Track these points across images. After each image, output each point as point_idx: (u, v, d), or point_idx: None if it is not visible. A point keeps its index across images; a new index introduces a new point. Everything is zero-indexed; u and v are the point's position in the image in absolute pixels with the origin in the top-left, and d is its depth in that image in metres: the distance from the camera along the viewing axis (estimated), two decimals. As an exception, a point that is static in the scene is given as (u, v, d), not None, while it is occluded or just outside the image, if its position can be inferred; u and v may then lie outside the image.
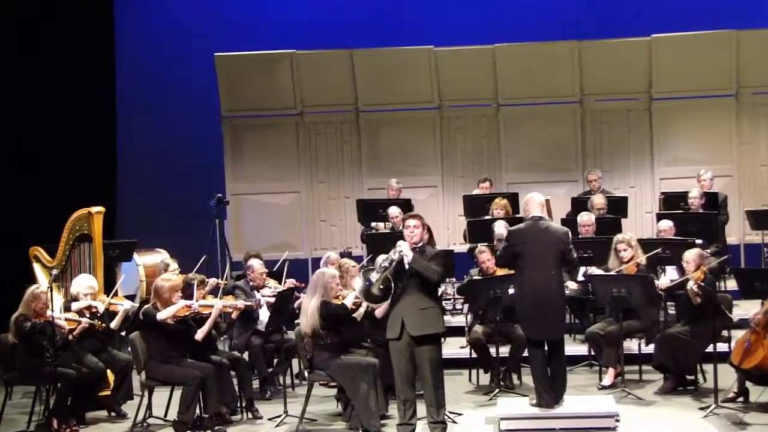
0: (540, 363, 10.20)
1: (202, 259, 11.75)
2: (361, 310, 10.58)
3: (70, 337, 10.48)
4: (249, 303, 11.25)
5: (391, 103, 16.70)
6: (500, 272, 11.57)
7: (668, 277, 11.92)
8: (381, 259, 10.43)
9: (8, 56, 15.05)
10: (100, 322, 10.71)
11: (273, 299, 11.51)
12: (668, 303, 12.17)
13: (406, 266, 9.33)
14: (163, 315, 10.14)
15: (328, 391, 11.48)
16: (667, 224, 12.79)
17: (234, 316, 11.00)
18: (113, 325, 10.98)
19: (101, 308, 10.85)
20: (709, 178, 14.60)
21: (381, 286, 9.36)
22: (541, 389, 10.14)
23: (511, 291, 10.89)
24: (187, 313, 10.30)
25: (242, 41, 16.72)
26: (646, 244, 12.11)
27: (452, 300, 13.81)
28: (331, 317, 10.14)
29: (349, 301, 10.43)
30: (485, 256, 11.89)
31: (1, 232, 14.47)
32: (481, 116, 16.73)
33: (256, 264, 12.04)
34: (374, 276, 9.38)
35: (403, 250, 9.37)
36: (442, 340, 9.84)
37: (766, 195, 16.13)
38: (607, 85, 16.37)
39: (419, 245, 9.47)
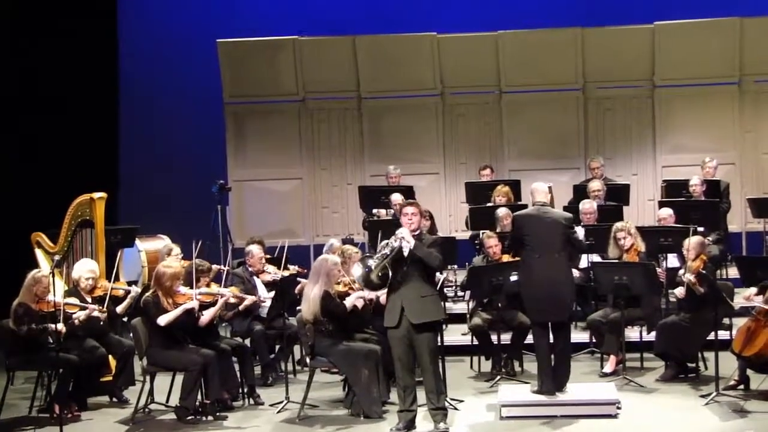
0: (543, 349, 10.21)
1: (200, 243, 11.69)
2: (360, 302, 10.54)
3: (77, 322, 10.48)
4: (255, 299, 11.28)
5: (393, 90, 16.67)
6: (506, 259, 11.59)
7: (670, 264, 11.95)
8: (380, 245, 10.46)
9: (7, 40, 15.04)
10: (102, 308, 10.70)
11: (272, 285, 11.55)
12: (670, 290, 12.17)
13: (405, 253, 9.32)
14: (163, 321, 10.14)
15: (330, 378, 11.48)
16: (666, 212, 12.79)
17: (241, 308, 11.09)
18: (119, 309, 11.00)
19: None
20: (713, 166, 14.62)
21: (379, 273, 9.34)
22: (543, 375, 10.15)
23: (512, 278, 10.91)
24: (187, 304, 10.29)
25: (245, 27, 16.69)
26: (646, 232, 12.13)
27: (453, 287, 13.79)
28: (330, 312, 10.15)
29: (350, 302, 10.41)
30: (493, 241, 11.87)
31: (3, 218, 14.48)
32: (483, 103, 16.70)
33: (255, 249, 12.04)
34: (373, 263, 9.35)
35: (405, 236, 9.35)
36: (444, 327, 9.85)
37: (768, 183, 16.15)
38: (610, 72, 16.33)
39: (417, 232, 9.47)
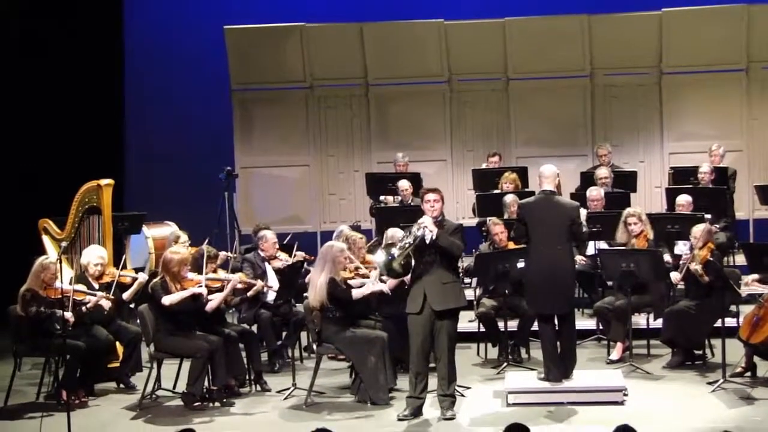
0: (549, 337, 10.20)
1: (209, 237, 11.71)
2: (367, 290, 10.53)
3: (84, 309, 10.50)
4: (263, 284, 11.27)
5: (400, 77, 16.65)
6: (512, 246, 11.58)
7: (678, 251, 11.92)
8: (394, 231, 10.47)
9: (14, 29, 15.05)
10: (109, 295, 10.72)
11: (282, 273, 11.55)
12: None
13: (427, 241, 9.30)
14: (167, 301, 10.16)
15: (337, 364, 11.51)
16: (685, 199, 12.70)
17: (249, 294, 11.08)
18: (126, 296, 11.00)
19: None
20: (720, 153, 14.59)
21: (402, 262, 9.33)
22: (549, 363, 10.14)
23: (519, 265, 10.89)
24: (195, 288, 10.30)
25: (252, 14, 16.67)
26: (654, 219, 12.11)
27: (461, 274, 13.76)
28: (336, 298, 10.16)
29: (358, 293, 10.39)
30: (499, 228, 11.86)
31: (11, 205, 14.50)
32: (490, 90, 16.66)
33: (268, 234, 12.00)
34: (396, 251, 9.33)
35: (428, 226, 9.32)
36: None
37: (776, 170, 16.11)
38: (618, 59, 16.29)
39: (439, 219, 9.46)
